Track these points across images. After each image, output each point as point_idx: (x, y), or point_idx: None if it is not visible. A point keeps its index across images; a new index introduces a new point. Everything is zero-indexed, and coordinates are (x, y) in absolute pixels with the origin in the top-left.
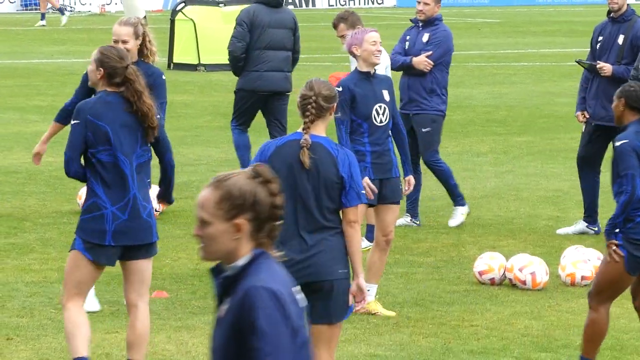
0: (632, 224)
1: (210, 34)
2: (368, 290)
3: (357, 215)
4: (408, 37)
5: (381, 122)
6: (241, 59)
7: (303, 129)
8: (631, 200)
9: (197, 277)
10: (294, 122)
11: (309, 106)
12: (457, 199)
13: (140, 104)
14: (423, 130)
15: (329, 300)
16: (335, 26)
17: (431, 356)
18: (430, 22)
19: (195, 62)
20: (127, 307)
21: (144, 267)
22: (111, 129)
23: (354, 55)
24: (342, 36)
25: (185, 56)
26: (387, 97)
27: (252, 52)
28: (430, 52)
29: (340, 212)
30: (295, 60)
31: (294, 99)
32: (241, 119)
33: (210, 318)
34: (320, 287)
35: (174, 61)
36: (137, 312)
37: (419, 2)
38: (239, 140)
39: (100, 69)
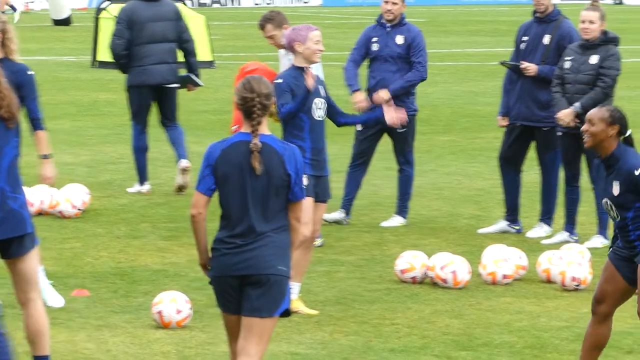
0: None
1: None
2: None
3: (301, 210)
4: (375, 39)
5: (319, 117)
6: (123, 56)
7: (252, 132)
8: None
9: (118, 275)
10: (208, 120)
11: (254, 108)
12: (404, 209)
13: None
14: (398, 130)
15: (263, 294)
16: (262, 27)
17: (352, 354)
18: (399, 23)
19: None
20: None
21: (24, 265)
22: None
23: (294, 51)
24: (270, 36)
25: (109, 54)
26: (322, 92)
27: (134, 48)
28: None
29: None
30: (188, 50)
31: (206, 96)
32: (138, 116)
33: (130, 317)
34: (257, 280)
35: (98, 59)
36: (28, 309)
37: (387, 2)
38: (136, 143)
39: None
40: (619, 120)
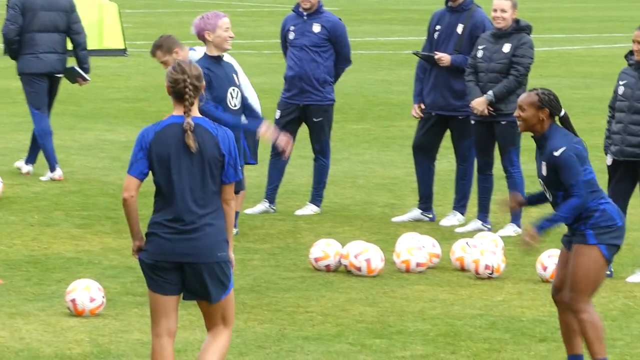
0: (599, 213)
1: None
2: None
3: (233, 193)
4: (292, 27)
5: (235, 105)
6: (14, 42)
7: (184, 112)
8: (584, 204)
9: (31, 263)
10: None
11: (186, 89)
12: (318, 198)
13: None
14: (315, 119)
15: (206, 282)
16: (153, 54)
17: (266, 342)
18: (316, 11)
19: None
20: None
21: None
22: None
23: (204, 40)
24: (163, 62)
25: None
26: (237, 81)
27: (25, 35)
28: None
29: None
30: (77, 42)
31: (119, 84)
32: (34, 101)
33: (44, 305)
34: (199, 268)
35: None
36: None
37: None
38: (38, 127)
39: None
40: (547, 103)
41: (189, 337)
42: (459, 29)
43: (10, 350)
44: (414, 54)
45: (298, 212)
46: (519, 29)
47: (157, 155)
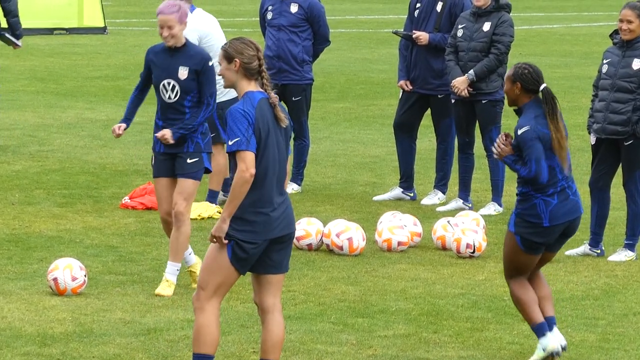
0: (529, 205)
1: None
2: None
3: None
4: (270, 7)
5: (169, 99)
6: None
7: (264, 88)
8: (529, 177)
9: (12, 242)
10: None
11: (262, 65)
12: (299, 177)
13: None
14: (294, 99)
15: (288, 250)
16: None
17: (248, 321)
18: None
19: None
20: None
21: None
22: None
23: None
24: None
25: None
26: (180, 74)
27: None
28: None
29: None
30: (6, 9)
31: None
32: None
33: (26, 284)
34: (289, 237)
35: None
36: None
37: None
38: None
39: None
40: (519, 77)
41: (172, 317)
42: (438, 7)
43: None
44: (393, 33)
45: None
46: (498, 8)
47: (262, 131)
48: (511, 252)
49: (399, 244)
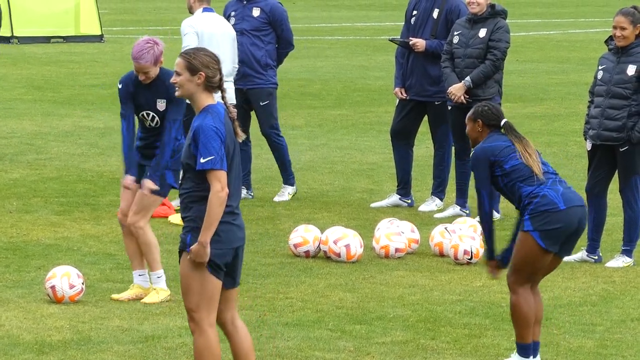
0: (540, 198)
1: (24, 6)
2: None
3: None
4: (233, 12)
5: (150, 125)
6: None
7: (224, 101)
8: (481, 214)
9: (10, 250)
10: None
11: (222, 79)
12: (289, 177)
13: None
14: (261, 103)
15: (241, 262)
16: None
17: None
18: None
19: (9, 34)
20: None
21: None
22: None
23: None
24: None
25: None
26: (159, 106)
27: None
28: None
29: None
30: None
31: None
32: None
33: (23, 291)
34: (242, 249)
35: None
36: None
37: None
38: None
39: None
40: (480, 115)
41: (169, 324)
42: (435, 13)
43: None
44: (389, 40)
45: (276, 199)
46: (494, 14)
47: (228, 146)
48: (529, 254)
49: (397, 250)
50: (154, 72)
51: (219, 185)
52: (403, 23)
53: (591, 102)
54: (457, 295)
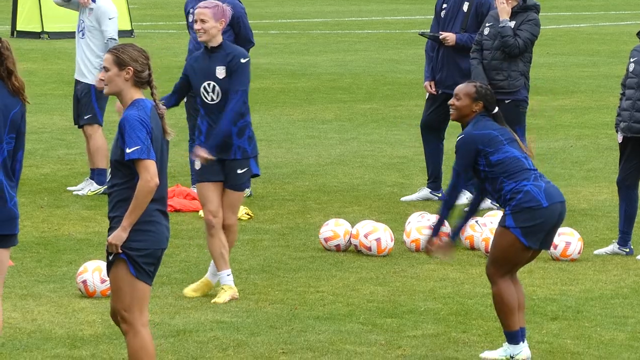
0: (522, 195)
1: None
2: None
3: None
4: (192, 10)
5: (212, 100)
6: None
7: (153, 98)
8: (450, 191)
9: (42, 245)
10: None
11: (152, 75)
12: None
13: (11, 83)
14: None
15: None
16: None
17: (277, 322)
18: None
19: (39, 30)
20: None
21: (2, 257)
22: None
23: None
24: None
25: (29, 24)
26: (219, 74)
27: None
28: None
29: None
30: None
31: None
32: None
33: (55, 286)
34: (164, 251)
35: (17, 29)
36: None
37: None
38: None
39: None
40: (483, 97)
41: (201, 318)
42: (465, 7)
43: (23, 331)
44: (420, 34)
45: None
46: (525, 8)
47: (155, 140)
48: (510, 250)
49: None
50: (212, 27)
51: (147, 174)
52: (433, 16)
53: (623, 94)
54: (488, 288)
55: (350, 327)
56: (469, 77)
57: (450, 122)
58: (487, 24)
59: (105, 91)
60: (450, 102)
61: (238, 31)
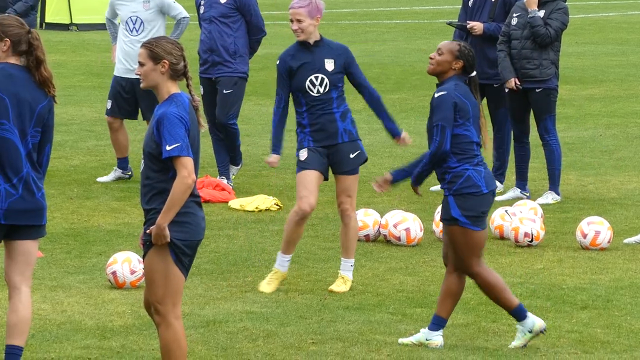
0: (464, 180)
1: None
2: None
3: None
4: (203, 1)
5: (318, 93)
6: None
7: (189, 89)
8: (438, 152)
9: (71, 236)
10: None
11: (187, 67)
12: (236, 158)
13: (40, 73)
14: (225, 91)
15: (194, 256)
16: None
17: (307, 312)
18: None
19: (68, 21)
20: (9, 289)
21: (31, 248)
22: (11, 103)
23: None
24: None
25: (57, 16)
26: (329, 67)
27: None
28: None
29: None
30: None
31: None
32: None
33: (85, 277)
34: (199, 243)
35: (46, 21)
36: (20, 295)
37: None
38: None
39: (6, 39)
40: (465, 56)
41: (230, 308)
42: None
43: (53, 322)
44: (447, 24)
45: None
46: None
47: (192, 135)
48: (469, 242)
49: None
50: (309, 24)
51: (185, 171)
52: (461, 6)
53: None
54: (518, 277)
55: (379, 317)
56: (497, 67)
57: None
58: (514, 14)
59: (142, 85)
60: (431, 55)
61: (249, 19)
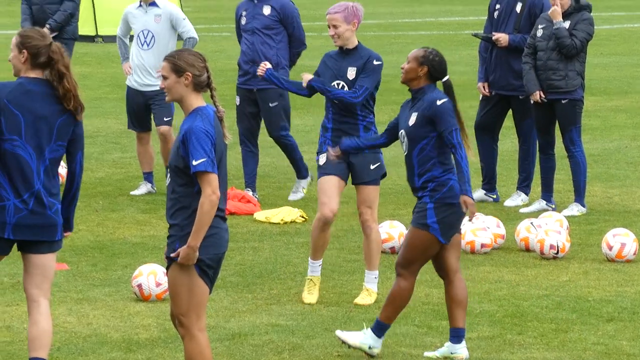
0: (447, 189)
1: (108, 6)
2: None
3: None
4: (244, 12)
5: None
6: None
7: (213, 100)
8: (464, 156)
9: (97, 249)
10: None
11: (211, 78)
12: (301, 170)
13: (62, 86)
14: (270, 104)
15: (219, 269)
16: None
17: (333, 325)
18: None
19: (93, 33)
20: (27, 302)
21: (47, 261)
22: (25, 120)
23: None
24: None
25: (83, 28)
26: (350, 74)
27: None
28: None
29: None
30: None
31: None
32: None
33: (110, 290)
34: (224, 255)
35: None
36: (39, 308)
37: None
38: None
39: (24, 51)
40: (429, 62)
41: (256, 321)
42: (518, 7)
43: (78, 335)
44: (473, 35)
45: (291, 197)
46: (578, 8)
47: (219, 150)
48: (425, 250)
49: (482, 246)
50: (345, 30)
51: (209, 189)
52: (486, 17)
53: None
54: (544, 290)
55: (405, 330)
56: (522, 78)
57: (505, 123)
58: (539, 26)
59: (166, 99)
60: (402, 65)
61: (291, 31)
